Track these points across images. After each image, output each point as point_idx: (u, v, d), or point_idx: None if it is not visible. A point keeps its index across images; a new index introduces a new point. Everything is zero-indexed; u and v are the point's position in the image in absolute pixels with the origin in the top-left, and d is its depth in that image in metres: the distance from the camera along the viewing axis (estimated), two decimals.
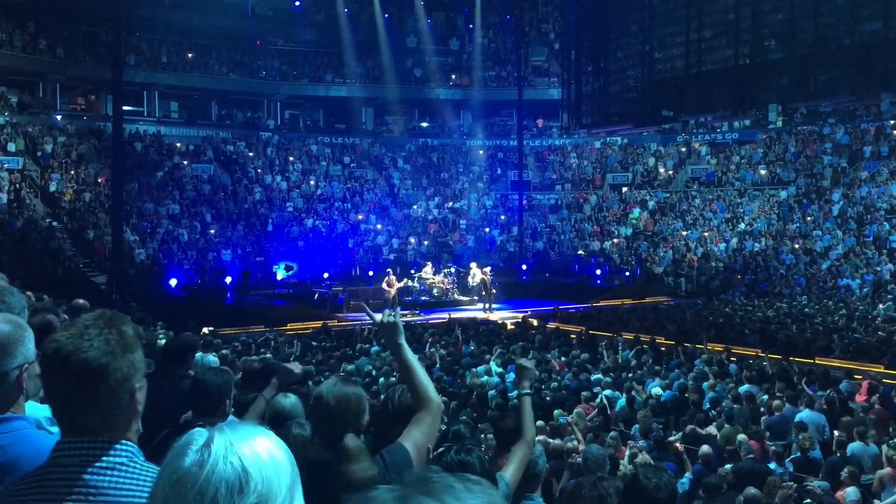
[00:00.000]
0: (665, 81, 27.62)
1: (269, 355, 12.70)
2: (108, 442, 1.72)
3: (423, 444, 2.68)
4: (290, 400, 3.94)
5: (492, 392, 11.45)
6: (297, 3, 37.38)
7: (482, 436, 7.10)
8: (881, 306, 21.85)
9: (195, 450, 1.35)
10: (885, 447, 7.79)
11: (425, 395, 2.82)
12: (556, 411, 9.97)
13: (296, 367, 4.20)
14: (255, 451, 1.36)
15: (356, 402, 2.72)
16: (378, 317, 2.98)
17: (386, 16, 37.70)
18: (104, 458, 1.70)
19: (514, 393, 10.90)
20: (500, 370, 13.12)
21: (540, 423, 8.91)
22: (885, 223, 28.32)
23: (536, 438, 4.38)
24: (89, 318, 1.78)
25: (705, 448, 8.35)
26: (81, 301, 6.26)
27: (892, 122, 32.61)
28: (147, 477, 1.72)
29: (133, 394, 1.75)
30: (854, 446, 8.57)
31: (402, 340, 2.90)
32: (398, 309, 3.03)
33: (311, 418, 2.83)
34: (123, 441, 1.74)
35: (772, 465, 8.02)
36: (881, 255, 26.56)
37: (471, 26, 40.37)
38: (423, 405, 2.80)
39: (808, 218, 30.73)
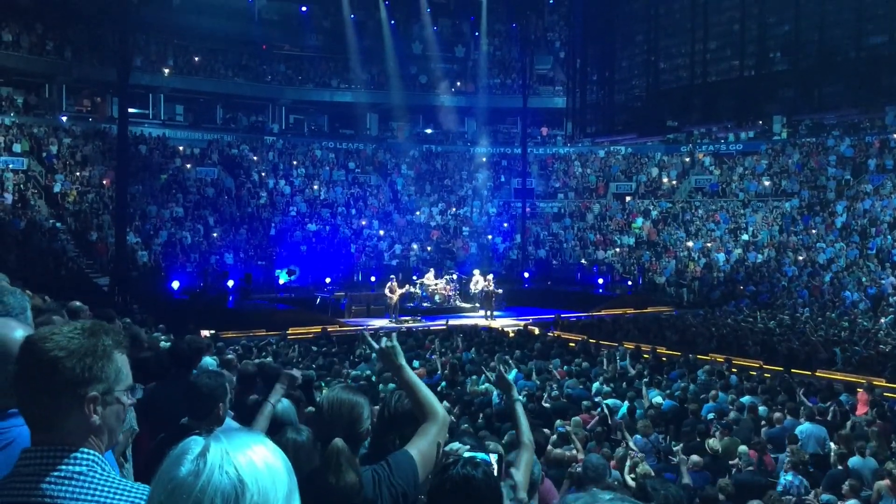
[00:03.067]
0: (670, 92, 27.64)
1: (269, 359, 12.69)
2: (67, 450, 1.67)
3: (429, 453, 2.68)
4: (282, 404, 3.94)
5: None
6: (304, 9, 37.53)
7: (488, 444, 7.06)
8: (883, 319, 21.81)
9: (191, 459, 1.33)
10: (889, 463, 7.75)
11: (432, 408, 2.83)
12: (557, 422, 9.95)
13: (296, 372, 4.20)
14: (251, 460, 1.35)
15: (349, 409, 2.72)
16: (376, 345, 3.03)
17: (392, 22, 37.79)
18: (61, 468, 1.66)
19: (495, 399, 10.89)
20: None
21: (545, 430, 8.89)
22: (888, 236, 28.27)
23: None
24: (79, 322, 1.78)
25: (695, 458, 8.34)
26: (78, 303, 6.25)
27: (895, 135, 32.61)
28: (108, 487, 1.68)
29: (85, 400, 1.68)
30: (854, 460, 8.54)
31: (402, 362, 2.94)
32: (394, 335, 3.02)
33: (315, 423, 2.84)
34: (84, 450, 1.69)
35: (789, 476, 7.97)
36: (884, 268, 26.51)
37: (476, 34, 40.46)
38: (430, 418, 2.81)
39: (812, 230, 30.69)
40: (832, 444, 9.53)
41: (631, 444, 9.11)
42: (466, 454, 2.54)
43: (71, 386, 1.66)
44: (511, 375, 13.00)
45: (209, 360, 7.72)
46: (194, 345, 5.36)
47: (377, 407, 3.29)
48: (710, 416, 10.72)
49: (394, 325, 22.97)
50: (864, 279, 26.13)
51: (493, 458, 2.80)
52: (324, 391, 2.87)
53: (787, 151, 35.71)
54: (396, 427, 2.98)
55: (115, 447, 3.64)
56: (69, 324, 1.75)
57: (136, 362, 5.24)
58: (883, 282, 25.44)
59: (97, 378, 1.69)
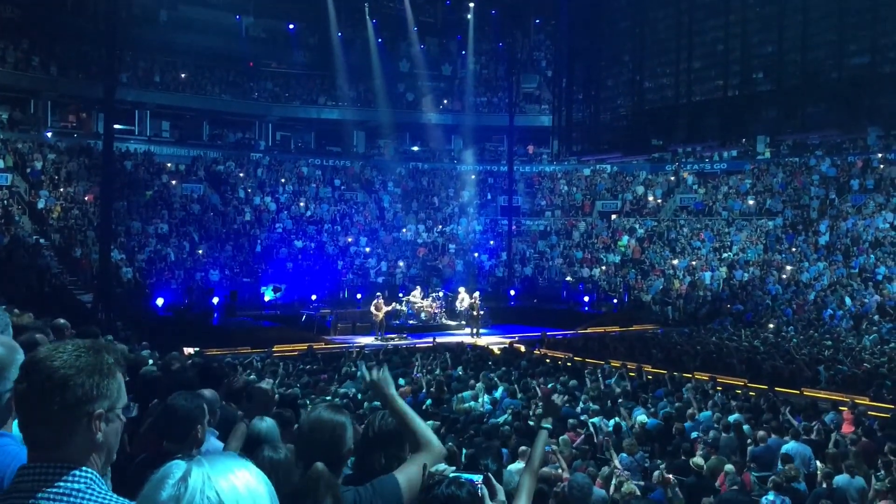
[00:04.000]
0: (655, 111, 27.87)
1: (253, 376, 12.61)
2: (66, 467, 1.67)
3: (416, 480, 2.66)
4: (266, 423, 3.87)
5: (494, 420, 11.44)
6: (292, 26, 37.62)
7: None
8: (867, 338, 21.94)
9: (172, 483, 1.33)
10: (876, 482, 7.76)
11: (426, 441, 2.82)
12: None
13: (266, 383, 4.14)
14: (232, 484, 1.34)
15: (331, 430, 2.70)
16: (368, 376, 3.03)
17: (379, 40, 37.94)
18: (60, 484, 1.65)
19: (503, 418, 10.88)
20: (487, 397, 13.06)
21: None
22: (871, 255, 28.51)
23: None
24: (79, 340, 1.78)
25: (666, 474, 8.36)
26: (62, 321, 6.20)
27: (878, 155, 32.93)
28: None
29: (92, 417, 1.69)
30: (840, 479, 8.55)
31: (393, 391, 2.94)
32: (386, 366, 3.01)
33: (295, 444, 2.82)
34: (84, 468, 1.69)
35: (770, 496, 7.97)
36: (867, 287, 26.70)
37: (463, 52, 40.68)
38: (424, 449, 2.80)
39: (795, 249, 30.90)
40: (818, 463, 9.54)
41: (617, 462, 9.10)
42: (451, 474, 2.53)
43: (81, 403, 1.67)
44: (497, 393, 13.03)
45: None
46: (224, 366, 5.31)
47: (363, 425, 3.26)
48: (694, 434, 10.72)
49: (380, 342, 22.91)
50: (847, 298, 26.30)
51: (480, 478, 2.79)
52: (308, 409, 2.86)
53: (770, 171, 36.00)
54: (381, 446, 2.96)
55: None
56: (69, 342, 1.75)
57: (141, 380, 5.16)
58: (867, 301, 25.62)
59: (104, 395, 1.70)
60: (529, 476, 3.44)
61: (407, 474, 2.68)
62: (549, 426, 3.72)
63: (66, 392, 1.65)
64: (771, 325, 25.15)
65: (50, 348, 1.72)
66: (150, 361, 8.75)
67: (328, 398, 11.50)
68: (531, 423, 11.26)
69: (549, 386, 14.16)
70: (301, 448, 2.67)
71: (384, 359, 16.95)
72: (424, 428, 2.87)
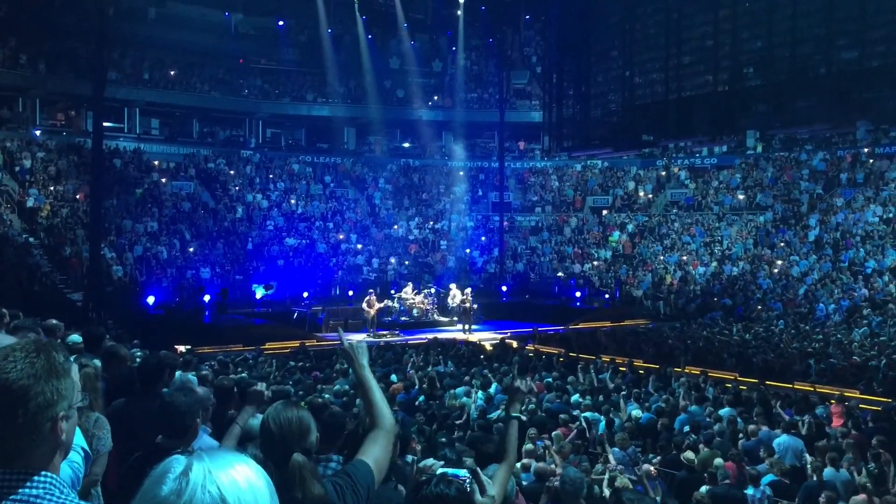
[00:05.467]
0: (645, 106, 27.88)
1: (245, 374, 12.59)
2: (25, 473, 1.62)
3: (382, 460, 2.75)
4: (256, 420, 3.91)
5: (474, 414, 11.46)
6: (281, 23, 37.52)
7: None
8: (857, 331, 22.07)
9: (173, 478, 1.33)
10: (857, 476, 7.82)
11: (380, 414, 2.89)
12: (529, 430, 9.84)
13: (261, 386, 4.20)
14: (233, 479, 1.35)
15: (297, 424, 2.73)
16: (346, 340, 3.11)
17: (369, 37, 37.88)
18: (21, 491, 1.60)
19: (496, 414, 10.88)
20: (481, 393, 13.07)
21: (529, 446, 8.89)
22: (860, 249, 28.66)
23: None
24: (19, 343, 1.72)
25: (647, 467, 8.40)
26: (55, 321, 6.18)
27: (867, 149, 33.11)
28: None
29: (56, 421, 1.65)
30: (828, 472, 8.61)
31: (365, 362, 3.00)
32: (365, 336, 3.08)
33: (260, 444, 2.84)
34: (44, 472, 1.65)
35: (749, 490, 8.03)
36: (857, 280, 26.85)
37: (453, 49, 40.65)
38: (378, 424, 2.87)
39: (784, 243, 31.04)
40: (808, 457, 9.60)
41: (610, 457, 9.13)
42: (440, 471, 2.54)
43: (42, 410, 1.62)
44: (491, 389, 13.04)
45: (189, 377, 7.64)
46: (166, 361, 5.29)
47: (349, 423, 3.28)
48: (686, 428, 10.77)
49: (372, 339, 22.92)
50: (837, 292, 26.44)
51: (467, 474, 2.81)
52: (266, 411, 2.90)
53: (760, 165, 36.15)
54: None
55: (95, 469, 3.60)
56: (15, 347, 1.68)
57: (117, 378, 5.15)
58: (856, 294, 25.77)
59: (63, 396, 1.65)
60: (505, 466, 3.47)
61: (374, 456, 2.73)
62: (518, 414, 3.75)
63: (27, 403, 1.60)
64: (762, 320, 25.26)
65: None
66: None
67: (325, 395, 11.49)
68: (524, 418, 11.29)
69: (543, 382, 14.21)
70: (271, 448, 2.69)
71: (376, 355, 16.96)
72: (383, 404, 2.93)
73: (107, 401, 4.59)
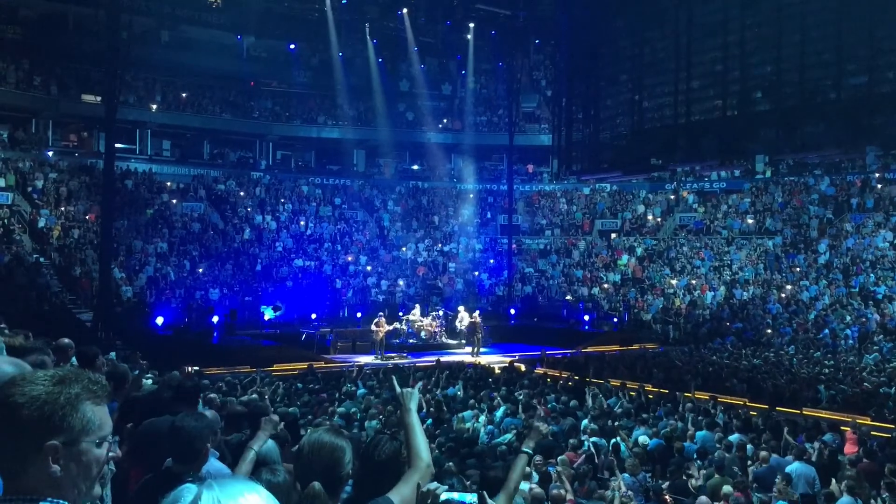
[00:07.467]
0: (654, 130, 27.95)
1: (255, 396, 12.57)
2: (32, 500, 1.60)
3: (410, 499, 2.74)
4: (266, 445, 3.90)
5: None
6: (292, 46, 37.80)
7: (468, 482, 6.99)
8: (867, 357, 21.90)
9: None
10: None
11: (419, 455, 2.96)
12: (535, 456, 9.75)
13: (275, 417, 4.21)
14: None
15: (329, 452, 2.68)
16: (398, 388, 3.43)
17: (380, 60, 38.11)
18: None
19: (505, 438, 10.82)
20: (487, 416, 13.01)
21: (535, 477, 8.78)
22: (870, 274, 28.52)
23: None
24: (54, 369, 1.72)
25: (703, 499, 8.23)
26: (67, 340, 6.17)
27: (877, 174, 33.03)
28: None
29: (46, 452, 1.60)
30: (844, 501, 8.49)
31: (412, 406, 3.19)
32: (419, 386, 3.20)
33: (294, 465, 2.85)
34: (50, 499, 1.61)
35: None
36: (867, 306, 26.69)
37: (463, 72, 40.86)
38: (415, 464, 2.92)
39: (795, 268, 30.91)
40: (819, 485, 9.49)
41: (621, 483, 9.05)
42: (444, 496, 2.53)
43: (28, 433, 1.59)
44: (499, 412, 12.97)
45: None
46: (199, 384, 5.31)
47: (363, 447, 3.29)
48: (694, 454, 10.68)
49: (380, 361, 22.86)
50: (847, 317, 26.28)
51: (472, 498, 2.81)
52: (309, 431, 2.90)
53: (769, 190, 36.09)
54: (378, 473, 2.97)
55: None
56: (45, 370, 1.70)
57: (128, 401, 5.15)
58: (867, 320, 25.59)
59: (58, 428, 1.61)
60: (505, 498, 3.48)
61: (401, 494, 2.73)
62: (530, 450, 3.77)
63: (13, 421, 1.59)
64: (772, 345, 25.11)
65: (19, 376, 1.66)
66: (151, 381, 8.74)
67: (326, 418, 11.46)
68: (532, 454, 11.20)
69: (549, 406, 14.13)
70: (300, 470, 2.68)
71: (384, 378, 16.90)
72: (423, 446, 2.99)
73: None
